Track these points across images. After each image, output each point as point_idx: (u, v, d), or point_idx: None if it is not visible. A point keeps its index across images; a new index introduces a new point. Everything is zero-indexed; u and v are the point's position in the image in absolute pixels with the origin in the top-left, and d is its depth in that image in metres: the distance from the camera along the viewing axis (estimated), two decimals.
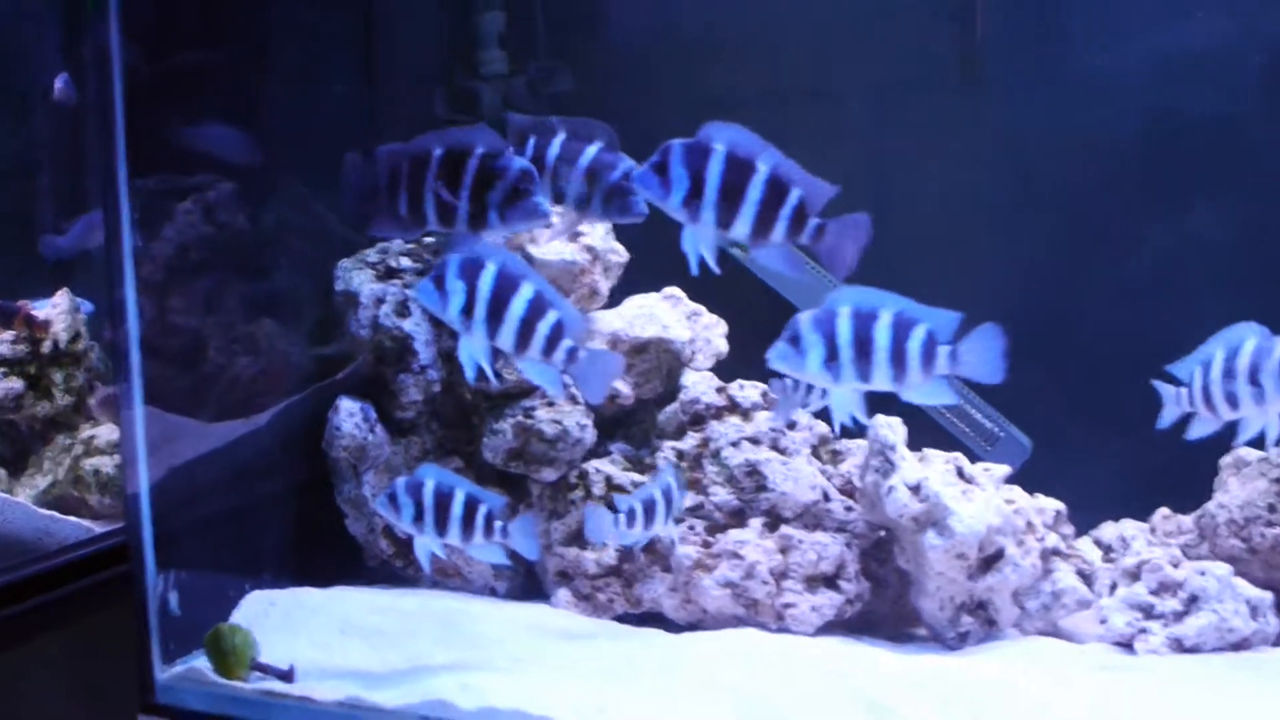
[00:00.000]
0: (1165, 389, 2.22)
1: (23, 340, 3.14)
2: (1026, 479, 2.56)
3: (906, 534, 2.41)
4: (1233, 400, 2.08)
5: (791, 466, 2.51)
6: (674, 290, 2.74)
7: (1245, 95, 2.71)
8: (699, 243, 1.89)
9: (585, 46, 3.15)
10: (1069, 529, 2.53)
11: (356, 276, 2.70)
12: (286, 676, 2.27)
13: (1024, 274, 2.87)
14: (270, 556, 2.65)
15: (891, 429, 2.43)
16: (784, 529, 2.48)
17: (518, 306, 1.97)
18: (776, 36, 2.95)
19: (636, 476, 2.57)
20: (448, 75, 3.19)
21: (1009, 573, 2.38)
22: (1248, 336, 2.07)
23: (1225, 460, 2.53)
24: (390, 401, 2.68)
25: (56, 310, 3.19)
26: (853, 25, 2.91)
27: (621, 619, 2.57)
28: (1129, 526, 2.55)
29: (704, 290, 2.64)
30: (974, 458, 2.55)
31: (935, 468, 2.42)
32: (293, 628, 2.47)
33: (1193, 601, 2.32)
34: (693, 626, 2.50)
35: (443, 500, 2.19)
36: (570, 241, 2.68)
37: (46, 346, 3.14)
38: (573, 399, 2.60)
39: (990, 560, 2.39)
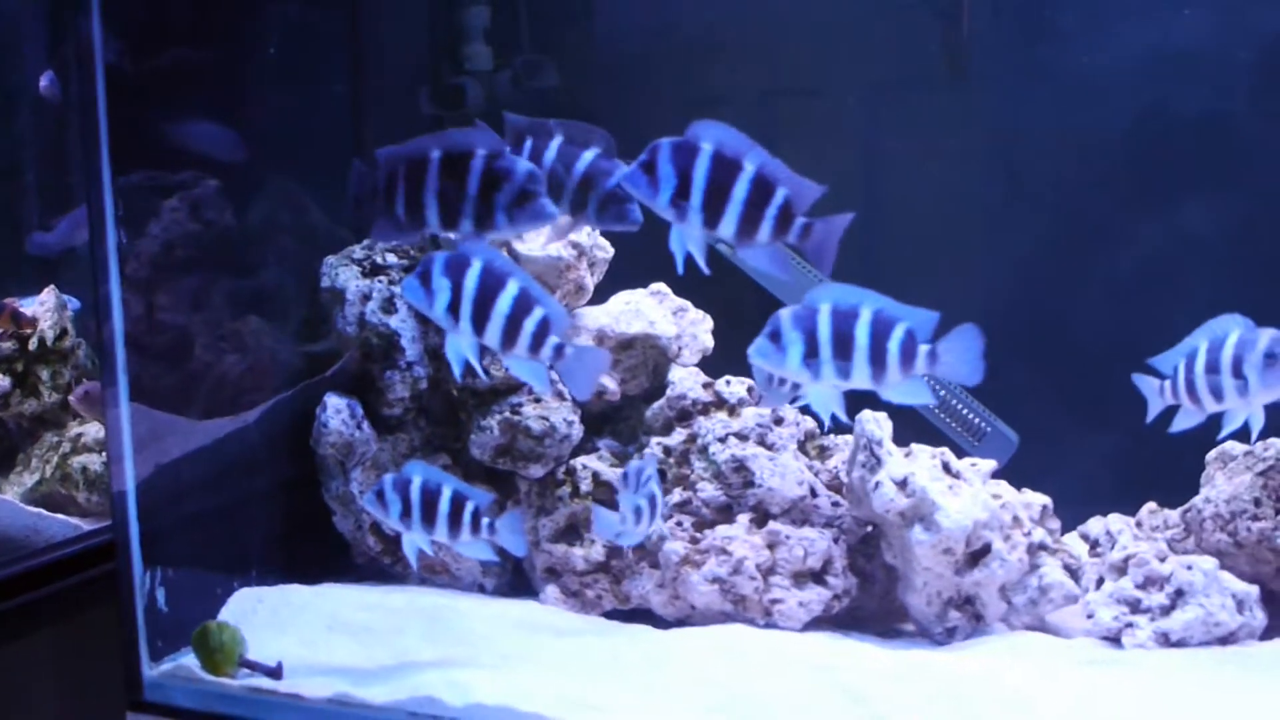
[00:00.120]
0: (1146, 382, 2.22)
1: (9, 337, 3.13)
2: (1013, 474, 2.56)
3: (893, 529, 2.41)
4: (1217, 393, 2.07)
5: (779, 462, 2.51)
6: (660, 286, 2.74)
7: (1234, 92, 2.71)
8: (687, 242, 1.89)
9: (570, 41, 3.14)
10: (1056, 524, 2.53)
11: (343, 273, 2.70)
12: (274, 673, 2.27)
13: (1011, 270, 2.88)
14: (258, 554, 2.65)
15: (878, 424, 2.43)
16: (771, 525, 2.48)
17: (503, 303, 1.96)
18: (763, 33, 2.95)
19: None
20: (433, 71, 3.19)
21: (996, 568, 2.38)
22: (1231, 328, 2.06)
23: (1211, 455, 2.53)
24: (377, 398, 2.67)
25: (43, 307, 3.19)
26: (839, 23, 2.90)
27: (610, 615, 2.57)
28: (1115, 521, 2.54)
29: (690, 286, 2.63)
30: (961, 453, 2.56)
31: (922, 463, 2.42)
32: (280, 625, 2.47)
33: (1179, 596, 2.32)
34: (681, 622, 2.50)
35: (430, 497, 2.19)
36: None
37: (33, 344, 3.14)
38: (560, 395, 2.60)
39: (977, 555, 2.40)
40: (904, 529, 2.38)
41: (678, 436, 2.59)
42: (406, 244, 2.68)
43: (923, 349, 1.83)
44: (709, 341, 2.75)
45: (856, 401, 2.05)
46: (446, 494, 2.18)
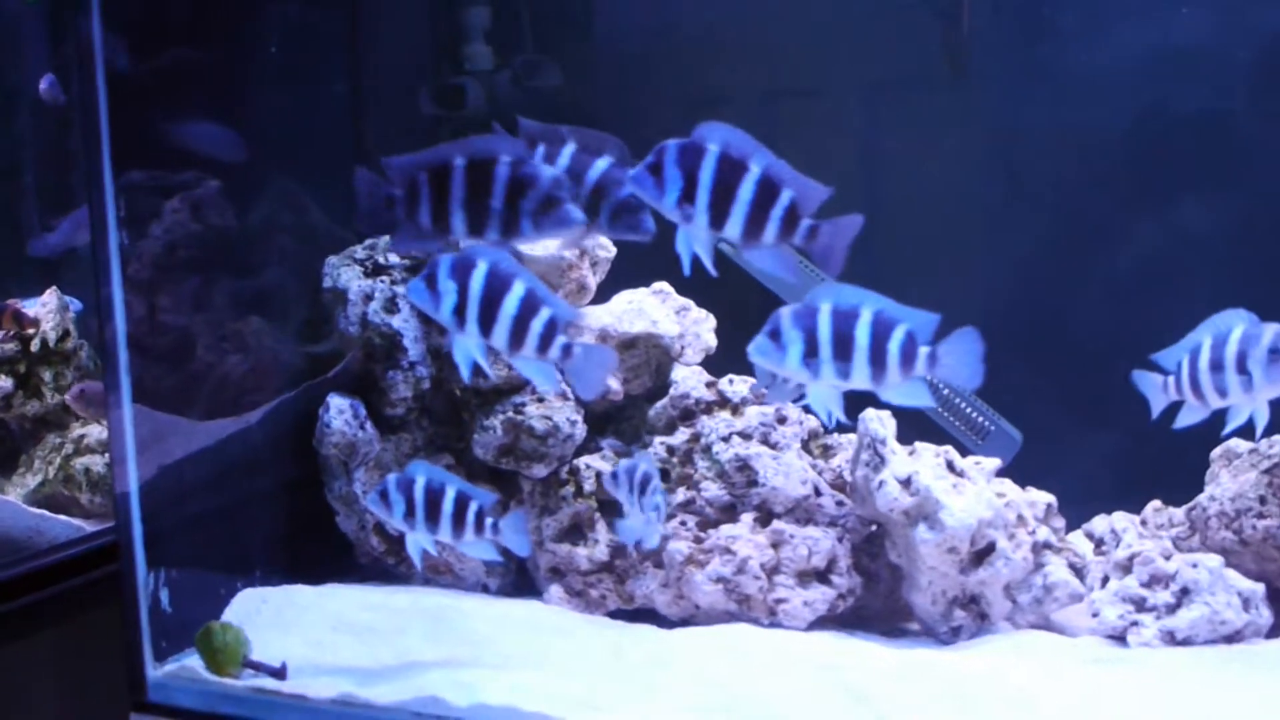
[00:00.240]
0: (1146, 378, 2.20)
1: (12, 338, 3.13)
2: (1017, 472, 2.56)
3: (898, 528, 2.41)
4: (1221, 388, 2.07)
5: (782, 461, 2.51)
6: (663, 285, 2.74)
7: (1233, 91, 2.71)
8: (693, 243, 1.89)
9: (570, 41, 3.14)
10: (1060, 522, 2.53)
11: (344, 273, 2.70)
12: (278, 674, 2.27)
13: (1014, 268, 2.87)
14: (261, 554, 2.65)
15: (882, 423, 2.43)
16: (775, 524, 2.48)
17: (510, 305, 1.96)
18: (764, 33, 2.94)
19: None
20: (433, 71, 3.19)
21: (1000, 566, 2.38)
22: (1235, 324, 2.05)
23: (1216, 452, 2.52)
24: (380, 398, 2.67)
25: (45, 309, 3.19)
26: (839, 23, 2.90)
27: (614, 615, 2.57)
28: (1120, 519, 2.54)
29: (692, 285, 2.63)
30: (965, 451, 2.55)
31: (926, 461, 2.42)
32: (284, 625, 2.47)
33: (1184, 594, 2.32)
34: (685, 622, 2.50)
35: (433, 497, 2.18)
36: None
37: (35, 345, 3.14)
38: (563, 395, 2.60)
39: (982, 554, 2.39)
40: (908, 528, 2.38)
41: (681, 436, 2.58)
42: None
43: (923, 351, 1.83)
44: (712, 340, 2.74)
45: (859, 401, 2.05)
46: (450, 494, 2.18)
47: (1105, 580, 2.42)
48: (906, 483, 2.37)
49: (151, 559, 2.36)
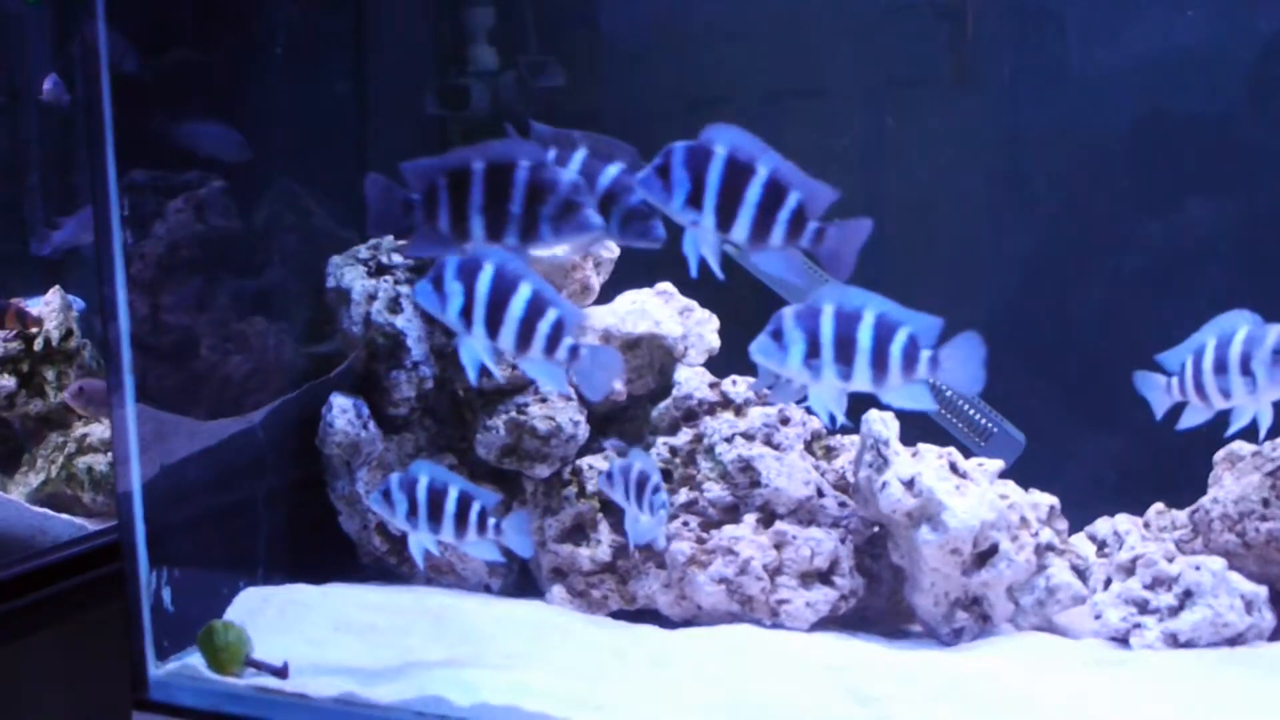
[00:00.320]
0: (1147, 379, 2.20)
1: (15, 337, 3.13)
2: (1020, 474, 2.56)
3: (900, 529, 2.41)
4: (1225, 389, 2.06)
5: (785, 462, 2.51)
6: (666, 285, 2.74)
7: (1235, 93, 2.71)
8: (700, 246, 1.89)
9: (575, 42, 3.14)
10: (1063, 524, 2.53)
11: (348, 273, 2.70)
12: (280, 673, 2.27)
13: (1017, 270, 2.87)
14: (264, 553, 2.65)
15: (885, 424, 2.43)
16: (778, 525, 2.48)
17: (517, 306, 1.96)
18: (767, 35, 2.95)
19: None
20: (437, 71, 3.19)
21: (1003, 568, 2.38)
22: (1239, 324, 2.05)
23: (1219, 455, 2.52)
24: (383, 398, 2.67)
25: (49, 307, 3.19)
26: (843, 24, 2.91)
27: (616, 616, 2.57)
28: (1123, 521, 2.54)
29: (696, 286, 2.63)
30: (968, 453, 2.55)
31: (929, 463, 2.42)
32: (287, 624, 2.47)
33: (1187, 596, 2.32)
34: (687, 623, 2.50)
35: (436, 497, 2.18)
36: None
37: (38, 344, 3.14)
38: (565, 395, 2.60)
39: (984, 555, 2.39)
40: (911, 529, 2.38)
41: (684, 436, 2.58)
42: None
43: (925, 355, 1.83)
44: (715, 341, 2.74)
45: (862, 402, 2.05)
46: (453, 494, 2.18)
47: (1108, 582, 2.42)
48: (909, 484, 2.37)
49: (154, 558, 2.36)
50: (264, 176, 2.77)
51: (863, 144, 2.97)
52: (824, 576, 2.47)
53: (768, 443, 2.53)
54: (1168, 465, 2.53)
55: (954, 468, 2.44)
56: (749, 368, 2.53)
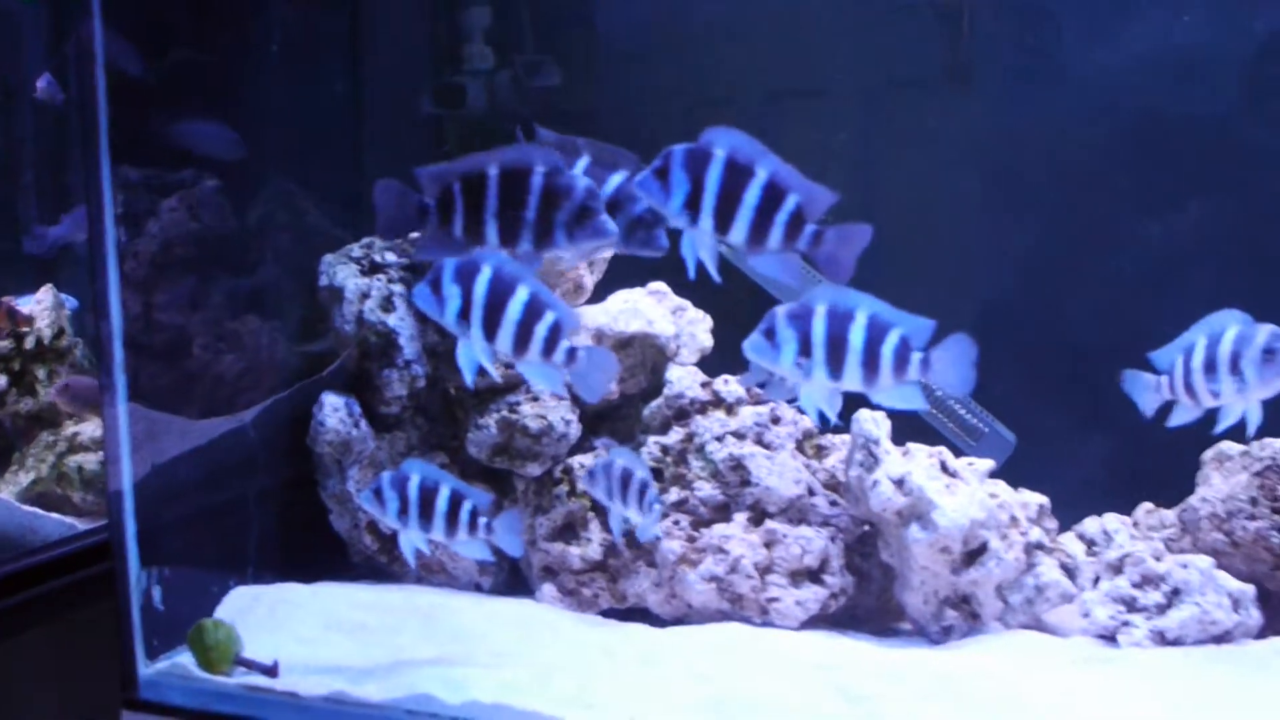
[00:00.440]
0: (1138, 378, 2.20)
1: (6, 336, 3.13)
2: (1010, 474, 2.56)
3: (890, 528, 2.42)
4: (1214, 389, 2.07)
5: (776, 461, 2.51)
6: (659, 285, 2.75)
7: (1229, 94, 2.72)
8: (698, 248, 1.89)
9: (572, 40, 3.15)
10: (1052, 523, 2.54)
11: (341, 272, 2.70)
12: (270, 672, 2.26)
13: (1008, 271, 2.88)
14: (254, 552, 2.65)
15: (876, 423, 2.44)
16: (768, 523, 2.48)
17: (514, 309, 1.97)
18: (764, 35, 2.96)
19: None
20: (433, 70, 3.19)
21: (993, 566, 2.39)
22: (1229, 324, 2.06)
23: (1208, 454, 2.53)
24: (375, 397, 2.67)
25: (40, 306, 3.19)
26: (841, 24, 2.91)
27: (606, 614, 2.57)
28: (1112, 520, 2.55)
29: (688, 285, 2.64)
30: (958, 453, 2.56)
31: (919, 462, 2.43)
32: (277, 623, 2.47)
33: (1175, 594, 2.33)
34: (678, 621, 2.50)
35: (427, 495, 2.18)
36: None
37: (30, 342, 3.14)
38: (557, 394, 2.60)
39: (974, 554, 2.40)
40: (901, 528, 2.38)
41: (675, 435, 2.59)
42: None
43: (916, 356, 1.84)
44: (707, 341, 2.75)
45: (854, 401, 2.05)
46: (444, 493, 2.18)
47: (1096, 581, 2.43)
48: (900, 483, 2.38)
49: (144, 557, 2.35)
50: (258, 175, 2.77)
51: (857, 144, 2.98)
52: (814, 575, 2.47)
53: (759, 442, 2.54)
54: (1156, 465, 2.54)
55: (944, 467, 2.45)
56: (741, 367, 2.55)
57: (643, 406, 2.67)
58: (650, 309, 2.69)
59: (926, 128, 2.90)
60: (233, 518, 2.64)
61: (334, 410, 2.62)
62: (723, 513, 2.52)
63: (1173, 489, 2.54)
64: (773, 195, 1.83)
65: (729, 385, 2.60)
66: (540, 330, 1.96)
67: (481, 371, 2.04)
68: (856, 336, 1.84)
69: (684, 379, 2.63)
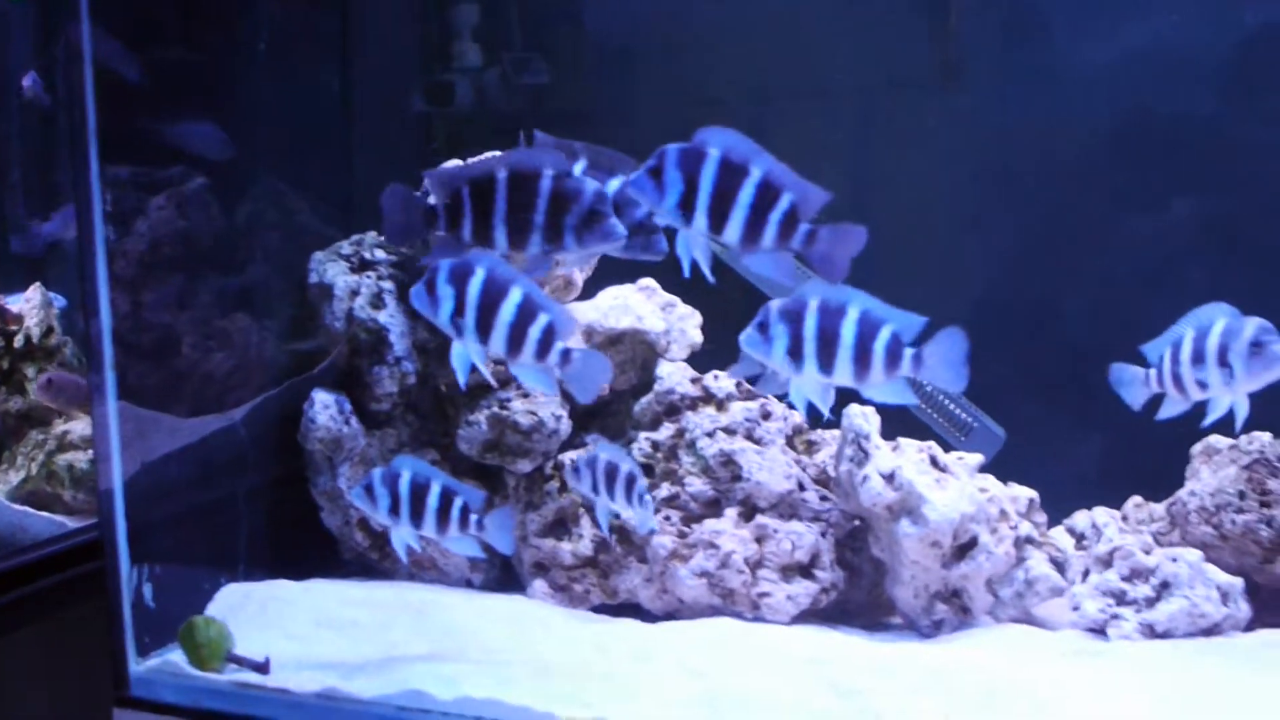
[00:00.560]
0: (1125, 372, 2.21)
1: None
2: (1000, 468, 2.57)
3: (881, 522, 2.42)
4: (1202, 381, 2.07)
5: (766, 456, 2.52)
6: (648, 281, 2.75)
7: (1217, 91, 2.73)
8: (692, 247, 1.90)
9: (560, 38, 3.15)
10: (1042, 517, 2.55)
11: (330, 269, 2.70)
12: (262, 668, 2.26)
13: (997, 266, 2.89)
14: (245, 550, 2.65)
15: (866, 418, 2.44)
16: (759, 519, 2.49)
17: (507, 311, 1.97)
18: (755, 33, 2.96)
19: None
20: (422, 68, 3.19)
21: (983, 560, 2.39)
22: (1217, 317, 2.06)
23: (1197, 448, 2.54)
24: (365, 393, 2.67)
25: (29, 304, 3.18)
26: (827, 22, 2.92)
27: (598, 610, 2.57)
28: (1101, 514, 2.56)
29: (678, 282, 2.64)
30: (948, 447, 2.57)
31: (909, 457, 2.43)
32: (268, 620, 2.47)
33: (1164, 588, 2.34)
34: (669, 616, 2.51)
35: (418, 492, 2.18)
36: None
37: (19, 341, 3.13)
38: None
39: (964, 548, 2.40)
40: (891, 522, 2.39)
41: (666, 431, 2.59)
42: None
43: (908, 352, 1.84)
44: (697, 337, 2.75)
45: (844, 397, 2.06)
46: (435, 489, 2.18)
47: (1086, 574, 2.44)
48: (890, 478, 2.38)
49: (135, 554, 2.35)
50: (248, 173, 2.77)
51: (848, 140, 2.99)
52: (805, 570, 2.48)
53: (749, 437, 2.54)
54: (1146, 459, 2.55)
55: (934, 462, 2.45)
56: (731, 363, 2.56)
57: (633, 403, 2.67)
58: (640, 305, 2.69)
59: (918, 125, 2.91)
60: (223, 515, 2.64)
61: (324, 407, 2.62)
62: (713, 508, 2.52)
63: (1162, 483, 2.55)
64: (767, 194, 1.83)
65: (719, 381, 2.61)
66: (534, 333, 1.97)
67: (474, 371, 2.05)
68: (848, 332, 1.85)
69: (674, 375, 2.63)
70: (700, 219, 1.85)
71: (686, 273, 1.91)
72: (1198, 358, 2.06)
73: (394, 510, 2.19)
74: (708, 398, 2.60)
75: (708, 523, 2.49)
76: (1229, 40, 2.69)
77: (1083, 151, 2.81)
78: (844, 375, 1.88)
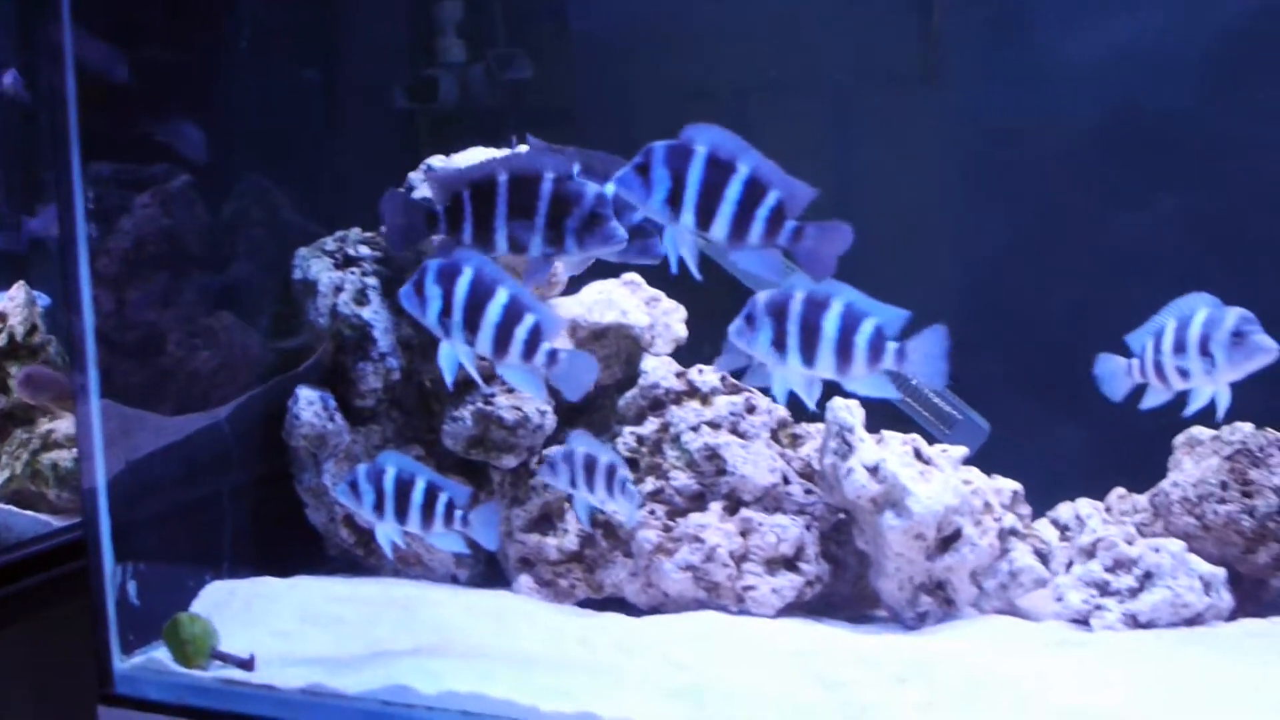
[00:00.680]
0: (1108, 362, 2.22)
1: None
2: (984, 461, 2.58)
3: (865, 515, 2.43)
4: (1184, 371, 2.08)
5: (751, 450, 2.52)
6: (633, 276, 2.75)
7: (1200, 86, 2.74)
8: (679, 244, 1.90)
9: (544, 34, 3.15)
10: (1026, 509, 2.55)
11: (314, 265, 2.70)
12: (247, 665, 2.26)
13: (981, 259, 2.90)
14: (230, 547, 2.64)
15: (850, 411, 2.45)
16: (744, 512, 2.49)
17: (494, 311, 1.97)
18: (737, 28, 2.96)
19: None
20: (406, 64, 3.19)
21: (967, 552, 2.40)
22: (1198, 307, 2.07)
23: (1179, 439, 2.55)
24: (350, 390, 2.67)
25: (13, 303, 3.17)
26: (809, 18, 2.92)
27: (583, 604, 2.57)
28: (1085, 505, 2.57)
29: (663, 276, 2.64)
30: (932, 440, 2.57)
31: (893, 449, 2.44)
32: (253, 617, 2.46)
33: (1147, 578, 2.35)
34: (654, 610, 2.51)
35: (403, 488, 2.18)
36: None
37: (2, 339, 3.12)
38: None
39: (948, 540, 2.41)
40: (875, 515, 2.39)
41: (650, 425, 2.59)
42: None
43: (891, 346, 1.85)
44: (682, 331, 2.76)
45: (828, 390, 2.06)
46: (420, 485, 2.18)
47: (1069, 565, 2.45)
48: (874, 470, 2.39)
49: (120, 552, 2.35)
50: (231, 171, 2.76)
51: (834, 136, 2.99)
52: (790, 563, 2.48)
53: (734, 431, 2.55)
54: (1129, 450, 2.56)
55: (918, 454, 2.46)
56: (714, 358, 2.56)
57: (618, 397, 2.68)
58: (624, 300, 2.69)
59: (899, 120, 2.91)
60: (208, 512, 2.63)
61: (309, 404, 2.62)
62: (698, 502, 2.52)
63: (1145, 474, 2.56)
64: (754, 191, 1.84)
65: (704, 375, 2.61)
66: (520, 333, 1.97)
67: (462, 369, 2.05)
68: (831, 325, 1.86)
69: (659, 369, 2.63)
70: (687, 215, 1.86)
71: (674, 269, 1.92)
72: (1179, 347, 2.06)
73: (379, 506, 2.19)
74: (692, 392, 2.61)
75: (693, 516, 2.49)
76: (1212, 35, 2.70)
77: (1067, 146, 2.81)
78: (826, 368, 1.88)
